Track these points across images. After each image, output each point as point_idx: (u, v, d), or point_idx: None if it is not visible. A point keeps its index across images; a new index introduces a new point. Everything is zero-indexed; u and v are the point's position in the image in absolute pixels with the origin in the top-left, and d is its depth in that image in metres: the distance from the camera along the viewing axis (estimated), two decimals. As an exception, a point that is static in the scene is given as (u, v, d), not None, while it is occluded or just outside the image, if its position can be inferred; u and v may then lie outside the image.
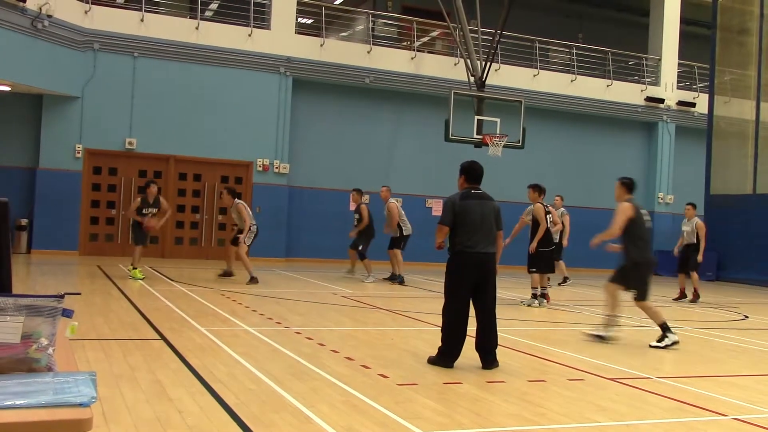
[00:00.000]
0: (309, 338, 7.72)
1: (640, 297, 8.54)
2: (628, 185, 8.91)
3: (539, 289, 12.13)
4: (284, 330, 8.30)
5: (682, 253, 14.67)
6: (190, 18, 19.57)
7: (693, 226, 14.31)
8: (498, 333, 6.77)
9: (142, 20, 18.64)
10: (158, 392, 5.17)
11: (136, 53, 18.60)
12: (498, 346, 6.77)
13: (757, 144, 21.19)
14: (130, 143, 18.59)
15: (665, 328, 8.43)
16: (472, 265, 6.60)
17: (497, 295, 6.90)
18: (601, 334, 8.61)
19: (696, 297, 14.24)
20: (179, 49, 18.92)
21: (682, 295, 14.46)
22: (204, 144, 19.26)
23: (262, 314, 9.52)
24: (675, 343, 8.35)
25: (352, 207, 16.38)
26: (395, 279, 15.04)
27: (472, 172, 6.88)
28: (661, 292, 16.75)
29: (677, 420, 5.18)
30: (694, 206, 14.70)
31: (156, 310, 9.26)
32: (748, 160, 21.36)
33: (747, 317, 12.26)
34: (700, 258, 14.23)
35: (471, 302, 6.70)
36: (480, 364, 6.63)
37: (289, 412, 4.85)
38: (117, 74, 18.47)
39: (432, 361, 6.66)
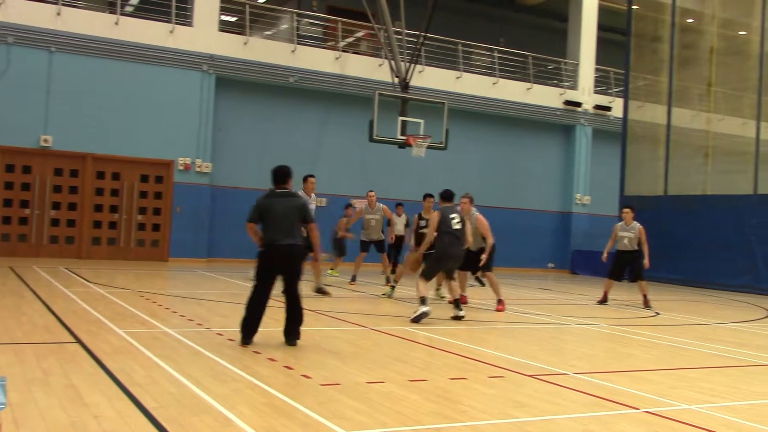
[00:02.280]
0: (231, 340, 7.64)
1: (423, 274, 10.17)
2: (443, 196, 10.48)
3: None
4: (205, 331, 8.18)
5: (617, 259, 13.75)
6: (110, 13, 19.06)
7: (636, 232, 13.43)
8: (302, 314, 7.58)
9: (58, 14, 18.06)
10: (73, 397, 5.03)
11: (52, 48, 18.01)
12: (302, 324, 7.58)
13: (668, 147, 22.04)
14: (46, 141, 17.98)
15: (423, 299, 9.70)
16: (275, 256, 7.45)
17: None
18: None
19: (647, 303, 13.34)
20: (98, 45, 18.41)
21: (605, 299, 13.78)
22: (123, 142, 18.79)
23: (182, 316, 9.36)
24: (425, 314, 9.62)
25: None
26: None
27: (275, 175, 7.74)
28: (578, 290, 17.24)
29: (592, 414, 5.35)
30: (633, 209, 13.78)
31: (72, 313, 8.98)
32: (660, 162, 22.19)
33: (658, 314, 12.73)
34: (647, 263, 13.39)
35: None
36: (405, 368, 6.68)
37: (209, 414, 4.79)
38: (32, 69, 17.84)
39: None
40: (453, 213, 10.21)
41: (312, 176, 12.84)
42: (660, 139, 22.32)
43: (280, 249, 7.44)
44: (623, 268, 13.79)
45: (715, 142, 21.68)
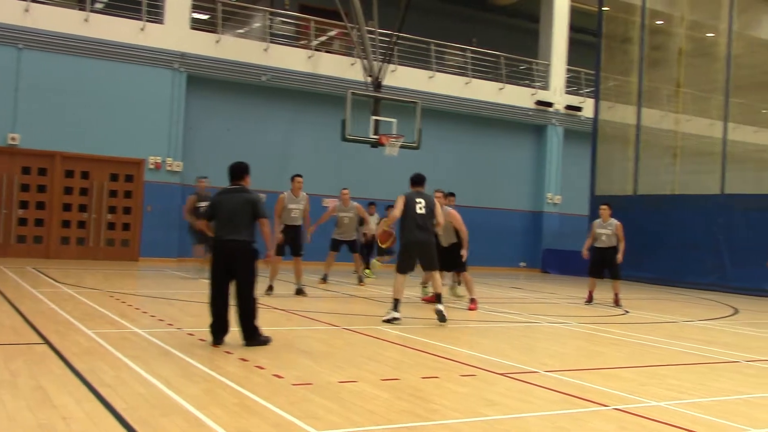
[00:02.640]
0: (202, 340, 7.59)
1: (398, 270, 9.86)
2: (412, 179, 10.12)
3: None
4: (176, 332, 8.12)
5: (594, 256, 13.80)
6: (79, 10, 18.81)
7: (613, 229, 13.54)
8: (254, 313, 7.39)
9: (27, 10, 17.81)
10: (41, 399, 4.96)
11: (20, 44, 17.75)
12: (254, 324, 7.37)
13: (638, 147, 22.30)
14: (13, 139, 17.71)
15: (396, 303, 9.59)
16: (222, 252, 7.41)
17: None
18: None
19: (618, 302, 13.46)
20: (67, 42, 18.18)
21: (591, 299, 13.80)
22: (93, 140, 18.57)
23: (153, 316, 9.28)
24: (396, 320, 9.46)
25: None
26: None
27: (229, 171, 7.74)
28: (549, 289, 17.37)
29: (563, 412, 5.40)
30: (609, 206, 13.86)
31: (40, 313, 8.86)
32: (629, 162, 22.45)
33: (628, 312, 12.88)
34: (620, 258, 13.47)
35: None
36: (378, 367, 6.68)
37: (180, 415, 4.75)
38: (-1, 66, 17.58)
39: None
40: (419, 198, 9.78)
41: (299, 176, 12.82)
42: (630, 139, 22.57)
43: (224, 245, 7.39)
44: (602, 265, 13.77)
45: (684, 142, 21.99)
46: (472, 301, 11.76)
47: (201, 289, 13.11)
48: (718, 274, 19.27)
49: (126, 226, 19.25)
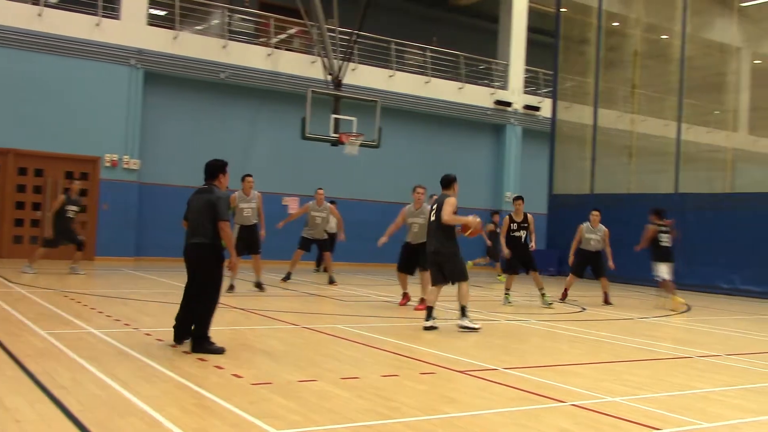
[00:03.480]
0: (159, 340, 7.50)
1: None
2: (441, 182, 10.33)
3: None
4: (133, 332, 8.01)
5: (582, 258, 14.27)
6: (33, 4, 18.41)
7: (602, 235, 14.22)
8: (202, 321, 7.04)
9: (-24, 3, 17.38)
10: (-7, 401, 4.86)
11: (-31, 39, 17.32)
12: (202, 332, 7.01)
13: (594, 147, 22.63)
14: (-37, 135, 17.30)
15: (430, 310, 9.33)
16: (186, 255, 7.27)
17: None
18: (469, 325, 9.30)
19: (608, 300, 14.04)
20: (20, 37, 17.80)
21: (566, 296, 14.22)
22: (47, 137, 18.21)
23: (109, 316, 9.13)
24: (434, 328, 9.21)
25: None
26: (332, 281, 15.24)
27: (204, 169, 7.44)
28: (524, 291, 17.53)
29: (520, 408, 5.46)
30: (600, 212, 14.42)
31: (-9, 314, 8.67)
32: (586, 162, 22.77)
33: (585, 309, 13.07)
34: (612, 264, 14.25)
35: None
36: (338, 366, 6.67)
37: (137, 416, 4.69)
38: (-53, 60, 17.14)
39: None
40: (434, 203, 9.50)
41: (249, 176, 12.93)
42: (587, 139, 22.89)
43: (186, 248, 7.24)
44: (586, 265, 14.34)
45: (639, 142, 22.39)
46: (422, 300, 11.45)
47: (158, 288, 12.95)
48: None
49: (81, 225, 18.89)
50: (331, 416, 4.94)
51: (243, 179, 12.88)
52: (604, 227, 14.25)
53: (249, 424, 4.63)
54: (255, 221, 12.77)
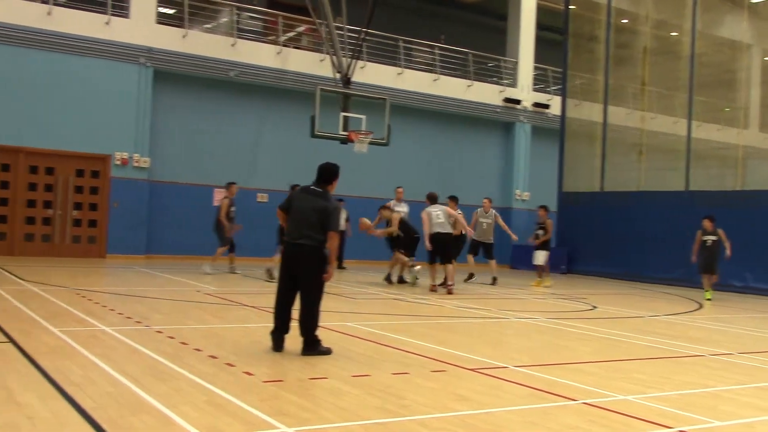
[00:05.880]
0: (171, 337, 7.52)
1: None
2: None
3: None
4: (145, 329, 8.04)
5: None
6: (42, 2, 18.47)
7: (492, 218, 17.19)
8: (311, 323, 7.00)
9: (-13, 3, 17.45)
10: (5, 398, 4.88)
11: (-20, 38, 17.40)
12: (312, 336, 6.99)
13: (604, 145, 22.56)
14: (-26, 134, 17.38)
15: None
16: (289, 254, 7.11)
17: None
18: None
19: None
20: (30, 35, 17.86)
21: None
22: (58, 136, 18.29)
23: (121, 314, 9.17)
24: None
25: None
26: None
27: (319, 171, 7.42)
28: (518, 285, 17.51)
29: (531, 406, 5.45)
30: (546, 209, 17.14)
31: (3, 312, 8.71)
32: (596, 159, 22.70)
33: (595, 307, 13.04)
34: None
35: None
36: (349, 364, 6.69)
37: (149, 414, 4.71)
38: (-41, 60, 17.22)
39: None
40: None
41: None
42: (596, 136, 22.82)
43: (291, 248, 7.12)
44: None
45: (649, 139, 22.30)
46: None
47: (169, 286, 13.00)
48: (683, 270, 19.57)
49: (92, 223, 18.99)
50: (342, 414, 4.94)
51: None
52: (494, 211, 17.23)
53: (261, 422, 4.64)
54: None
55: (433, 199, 14.52)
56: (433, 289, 13.91)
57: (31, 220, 18.36)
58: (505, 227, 17.57)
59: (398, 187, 17.47)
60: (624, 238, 21.11)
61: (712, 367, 7.62)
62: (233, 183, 16.11)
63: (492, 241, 17.33)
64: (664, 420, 5.19)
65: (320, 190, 7.21)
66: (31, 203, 18.34)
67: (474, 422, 4.90)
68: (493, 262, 17.22)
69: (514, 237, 17.27)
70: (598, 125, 22.81)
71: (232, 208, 15.67)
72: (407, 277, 15.36)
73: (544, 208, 17.30)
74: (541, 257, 16.73)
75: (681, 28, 21.92)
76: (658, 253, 20.09)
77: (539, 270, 16.95)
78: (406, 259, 15.09)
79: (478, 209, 17.70)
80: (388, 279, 15.42)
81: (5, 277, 12.82)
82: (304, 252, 6.98)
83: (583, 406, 5.52)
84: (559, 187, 23.57)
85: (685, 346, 8.86)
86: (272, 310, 7.23)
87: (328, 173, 7.33)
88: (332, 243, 7.06)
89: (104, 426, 4.38)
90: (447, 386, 5.97)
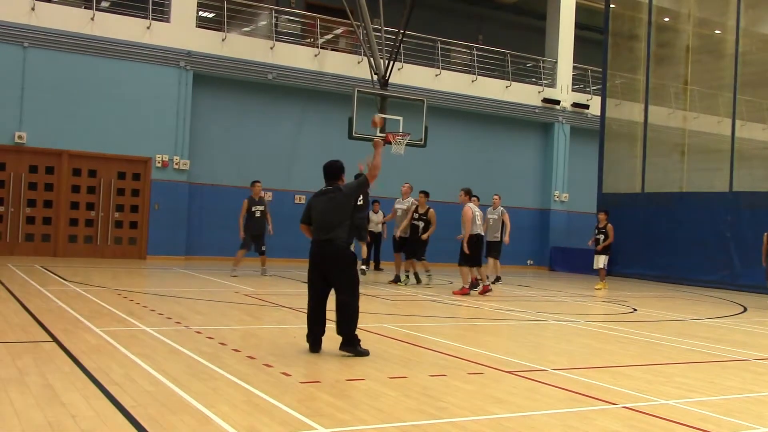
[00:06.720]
0: (210, 338, 7.59)
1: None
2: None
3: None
4: (184, 330, 8.13)
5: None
6: (85, 8, 18.84)
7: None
8: (351, 321, 7.03)
9: (32, 9, 17.84)
10: (50, 397, 4.97)
11: (26, 43, 17.79)
12: (351, 334, 7.00)
13: (645, 145, 22.23)
14: (20, 137, 17.77)
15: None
16: (317, 253, 7.20)
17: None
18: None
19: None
20: (73, 40, 18.22)
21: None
22: (100, 139, 18.62)
23: (161, 314, 9.29)
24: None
25: None
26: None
27: (325, 171, 7.69)
28: (557, 287, 17.34)
29: (571, 410, 5.38)
30: (499, 197, 17.32)
31: (48, 311, 8.89)
32: (637, 160, 22.38)
33: (635, 310, 12.85)
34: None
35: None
36: (385, 365, 6.69)
37: (188, 413, 4.76)
38: (5, 65, 17.63)
39: None
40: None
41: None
42: (637, 136, 22.50)
43: (319, 247, 7.22)
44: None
45: (691, 139, 21.91)
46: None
47: (208, 287, 13.14)
48: (727, 272, 19.21)
49: (133, 225, 19.29)
50: (379, 415, 4.94)
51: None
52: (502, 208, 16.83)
53: (298, 422, 4.66)
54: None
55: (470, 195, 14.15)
56: (486, 289, 13.75)
57: (74, 222, 18.71)
58: (506, 227, 16.88)
59: (405, 184, 16.99)
60: (665, 240, 20.78)
61: (756, 371, 7.45)
62: (257, 182, 15.69)
63: (498, 239, 16.70)
64: (706, 425, 5.08)
65: (331, 187, 7.41)
66: (74, 205, 18.69)
67: (511, 425, 4.86)
68: (492, 260, 16.73)
69: (506, 240, 16.74)
70: (638, 125, 22.49)
71: (259, 208, 15.12)
72: (423, 279, 15.21)
73: (605, 212, 17.06)
74: (601, 261, 16.56)
75: (724, 25, 21.51)
76: (701, 255, 19.74)
77: (601, 274, 16.64)
78: (427, 263, 15.05)
79: (488, 207, 17.29)
80: (396, 280, 15.36)
81: (49, 278, 13.08)
82: (331, 251, 7.08)
83: (624, 410, 5.43)
84: (599, 189, 23.28)
85: (729, 350, 8.68)
86: (307, 312, 7.26)
87: (333, 170, 7.57)
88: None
89: (145, 425, 4.44)
90: (484, 389, 5.92)
